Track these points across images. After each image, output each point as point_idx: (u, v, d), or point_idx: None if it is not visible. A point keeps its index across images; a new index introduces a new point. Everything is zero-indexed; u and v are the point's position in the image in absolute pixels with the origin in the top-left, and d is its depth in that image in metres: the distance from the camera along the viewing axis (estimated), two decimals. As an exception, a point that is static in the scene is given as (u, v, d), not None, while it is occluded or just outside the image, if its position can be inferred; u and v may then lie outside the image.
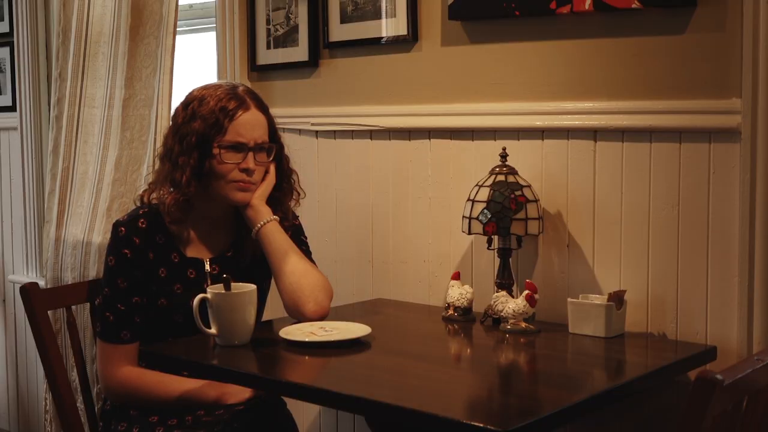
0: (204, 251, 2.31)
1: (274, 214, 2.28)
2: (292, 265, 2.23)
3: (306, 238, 2.41)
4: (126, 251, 2.24)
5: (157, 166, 2.32)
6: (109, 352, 2.26)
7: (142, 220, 2.26)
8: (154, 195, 2.29)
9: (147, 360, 2.22)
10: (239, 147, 2.22)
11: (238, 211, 2.30)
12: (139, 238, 2.24)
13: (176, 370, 2.21)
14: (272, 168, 2.31)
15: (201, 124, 2.20)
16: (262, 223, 2.25)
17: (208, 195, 2.26)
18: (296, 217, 2.41)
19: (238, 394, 2.16)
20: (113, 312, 2.24)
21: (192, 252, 2.30)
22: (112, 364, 2.25)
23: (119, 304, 2.24)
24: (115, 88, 3.11)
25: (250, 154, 2.22)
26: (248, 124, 2.22)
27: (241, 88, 2.27)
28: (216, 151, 2.20)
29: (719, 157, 2.12)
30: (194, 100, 2.24)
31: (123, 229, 2.25)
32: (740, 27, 2.07)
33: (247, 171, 2.22)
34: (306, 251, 2.34)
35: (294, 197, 2.38)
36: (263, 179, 2.29)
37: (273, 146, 2.29)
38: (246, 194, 2.25)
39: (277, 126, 2.34)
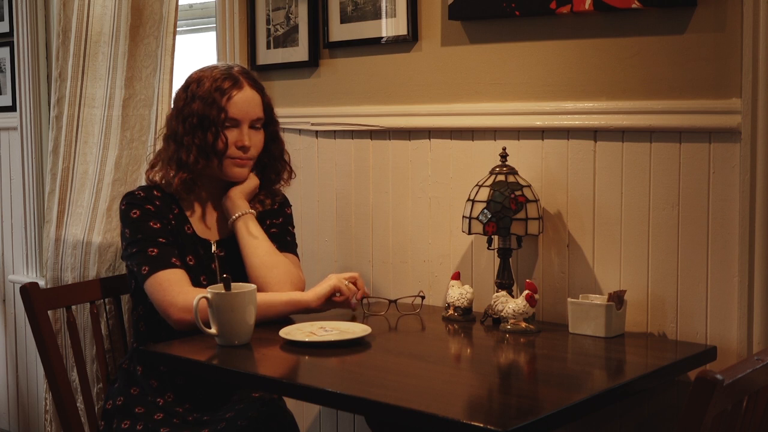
0: (210, 233, 2.38)
1: (266, 195, 2.40)
2: (260, 258, 2.29)
3: (293, 228, 2.47)
4: (149, 207, 2.30)
5: (160, 146, 2.40)
6: (167, 278, 2.19)
7: (155, 191, 2.35)
8: (159, 175, 2.36)
9: (146, 360, 2.22)
10: (235, 124, 2.31)
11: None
12: (158, 201, 2.32)
13: (175, 369, 2.21)
14: (253, 174, 2.39)
15: (200, 104, 2.30)
16: (237, 215, 2.33)
17: (209, 173, 2.34)
18: (289, 206, 2.48)
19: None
20: (156, 246, 2.25)
21: (200, 231, 2.37)
22: (173, 289, 2.18)
23: (159, 239, 2.26)
24: (115, 88, 3.11)
25: (245, 131, 2.32)
26: (242, 103, 2.32)
27: (236, 69, 2.37)
28: (213, 129, 2.29)
29: (719, 157, 2.12)
30: (192, 83, 2.35)
31: (141, 193, 2.33)
32: (740, 27, 2.07)
33: (243, 148, 2.32)
34: (291, 242, 2.41)
35: (285, 177, 2.46)
36: (247, 179, 2.37)
37: (269, 124, 2.39)
38: (242, 170, 2.35)
39: (271, 103, 2.42)
